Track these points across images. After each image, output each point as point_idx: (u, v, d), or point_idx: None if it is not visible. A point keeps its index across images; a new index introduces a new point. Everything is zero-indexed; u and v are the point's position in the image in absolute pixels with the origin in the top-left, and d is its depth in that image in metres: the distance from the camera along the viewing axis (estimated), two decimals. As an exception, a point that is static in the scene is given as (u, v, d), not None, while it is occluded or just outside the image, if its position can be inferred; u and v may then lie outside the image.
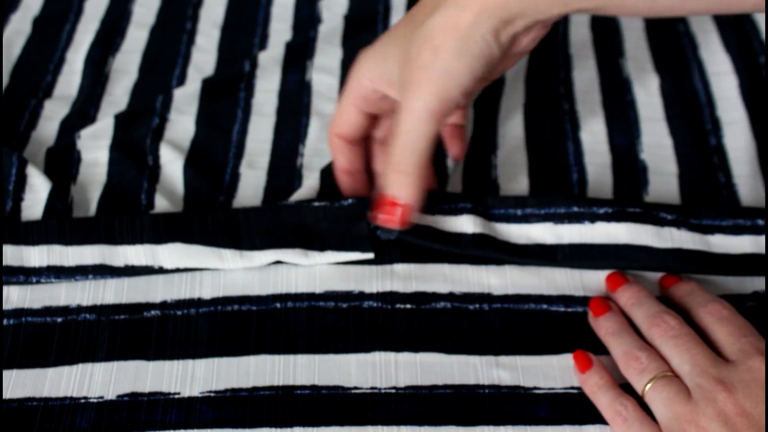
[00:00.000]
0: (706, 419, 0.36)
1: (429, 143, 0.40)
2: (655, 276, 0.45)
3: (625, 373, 0.40)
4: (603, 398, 0.39)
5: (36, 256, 0.44)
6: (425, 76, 0.39)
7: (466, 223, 0.45)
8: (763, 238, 0.45)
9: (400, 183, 0.41)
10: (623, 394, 0.39)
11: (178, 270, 0.44)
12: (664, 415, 0.37)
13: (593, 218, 0.45)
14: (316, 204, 0.45)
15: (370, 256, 0.44)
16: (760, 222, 0.45)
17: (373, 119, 0.46)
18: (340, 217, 0.44)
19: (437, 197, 0.46)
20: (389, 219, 0.42)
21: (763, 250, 0.45)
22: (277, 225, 0.45)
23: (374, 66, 0.42)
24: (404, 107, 0.40)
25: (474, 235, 0.45)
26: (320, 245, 0.44)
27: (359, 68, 0.43)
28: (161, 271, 0.44)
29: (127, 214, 0.48)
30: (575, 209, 0.45)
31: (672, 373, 0.38)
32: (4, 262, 0.44)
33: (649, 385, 0.38)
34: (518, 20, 0.39)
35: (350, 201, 0.45)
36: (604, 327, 0.42)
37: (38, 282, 0.44)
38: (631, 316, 0.42)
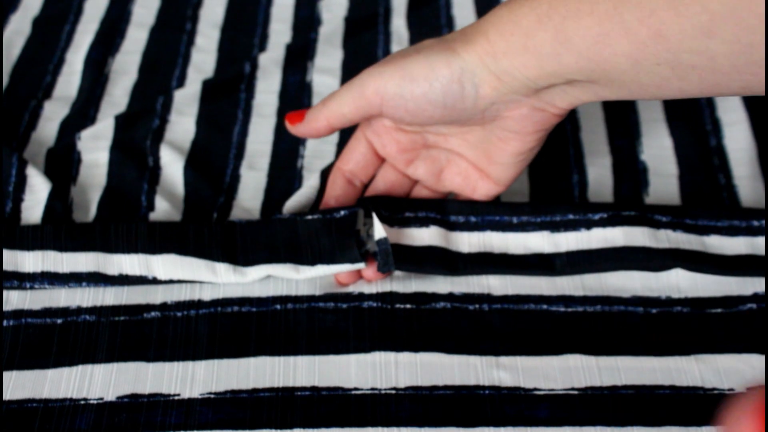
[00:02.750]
0: None
1: (349, 109, 0.42)
2: (652, 275, 0.45)
3: None
4: None
5: (30, 261, 0.44)
6: (393, 60, 0.41)
7: (461, 241, 0.45)
8: (758, 239, 0.45)
9: (314, 108, 0.44)
10: None
11: (171, 281, 0.44)
12: None
13: (589, 225, 0.45)
14: (309, 217, 0.45)
15: (361, 266, 0.44)
16: (755, 223, 0.45)
17: (379, 163, 0.47)
18: (332, 230, 0.44)
19: (427, 205, 0.46)
20: (287, 118, 0.45)
21: (758, 252, 0.45)
22: (270, 239, 0.45)
23: (374, 75, 0.43)
24: (362, 73, 0.42)
25: (470, 255, 0.45)
26: (311, 259, 0.44)
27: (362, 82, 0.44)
28: (155, 281, 0.44)
29: (126, 215, 0.48)
30: (571, 217, 0.45)
31: None
32: None
33: None
34: (506, 81, 0.39)
35: (342, 213, 0.45)
36: None
37: (32, 288, 0.44)
38: None
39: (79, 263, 0.44)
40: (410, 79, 0.40)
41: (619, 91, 0.38)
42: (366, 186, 0.48)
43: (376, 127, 0.45)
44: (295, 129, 0.45)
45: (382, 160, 0.47)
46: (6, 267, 0.44)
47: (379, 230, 0.43)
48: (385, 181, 0.47)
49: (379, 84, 0.41)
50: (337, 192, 0.47)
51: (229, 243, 0.44)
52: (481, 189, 0.46)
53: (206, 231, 0.45)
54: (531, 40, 0.38)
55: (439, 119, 0.42)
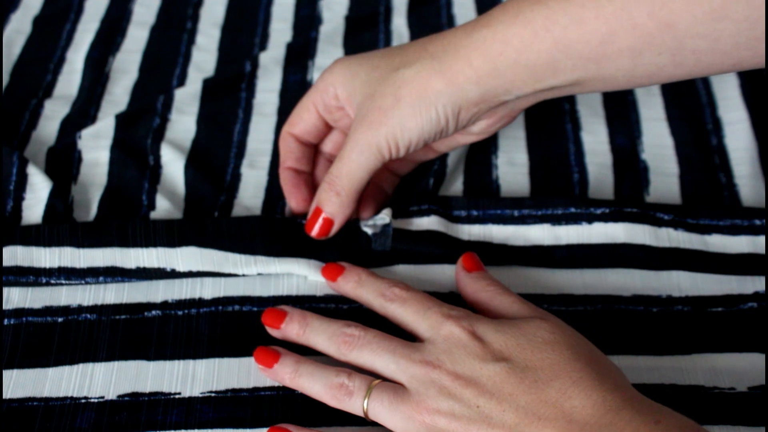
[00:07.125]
0: (432, 401, 0.35)
1: (366, 175, 0.43)
2: (653, 274, 0.45)
3: (339, 405, 0.38)
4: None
5: (47, 257, 0.44)
6: (381, 119, 0.41)
7: (461, 231, 0.46)
8: (760, 238, 0.45)
9: (330, 199, 0.43)
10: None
11: (191, 273, 0.44)
12: (394, 420, 0.36)
13: (590, 219, 0.45)
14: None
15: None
16: (758, 222, 0.45)
17: (327, 129, 0.48)
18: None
19: (431, 200, 0.46)
20: (310, 226, 0.44)
21: (760, 250, 0.45)
22: (297, 236, 0.45)
23: (343, 78, 0.44)
24: (354, 137, 0.42)
25: (469, 243, 0.45)
26: (333, 258, 0.45)
27: (330, 74, 0.45)
28: (173, 274, 0.44)
29: (127, 214, 0.48)
30: (572, 210, 0.46)
31: (381, 379, 0.38)
32: (14, 263, 0.44)
33: (366, 402, 0.37)
34: (485, 102, 0.41)
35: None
36: (288, 374, 0.39)
37: (47, 283, 0.44)
38: (313, 342, 0.40)
39: (96, 258, 0.44)
40: (407, 130, 0.41)
41: (603, 87, 0.39)
42: (316, 146, 0.49)
43: (329, 105, 0.45)
44: (331, 225, 0.44)
45: (330, 129, 0.48)
46: (22, 263, 0.44)
47: (387, 215, 0.45)
48: (333, 144, 0.48)
49: (390, 139, 0.42)
50: (296, 154, 0.47)
51: (250, 235, 0.44)
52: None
53: (225, 224, 0.45)
54: (524, 55, 0.38)
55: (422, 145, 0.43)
